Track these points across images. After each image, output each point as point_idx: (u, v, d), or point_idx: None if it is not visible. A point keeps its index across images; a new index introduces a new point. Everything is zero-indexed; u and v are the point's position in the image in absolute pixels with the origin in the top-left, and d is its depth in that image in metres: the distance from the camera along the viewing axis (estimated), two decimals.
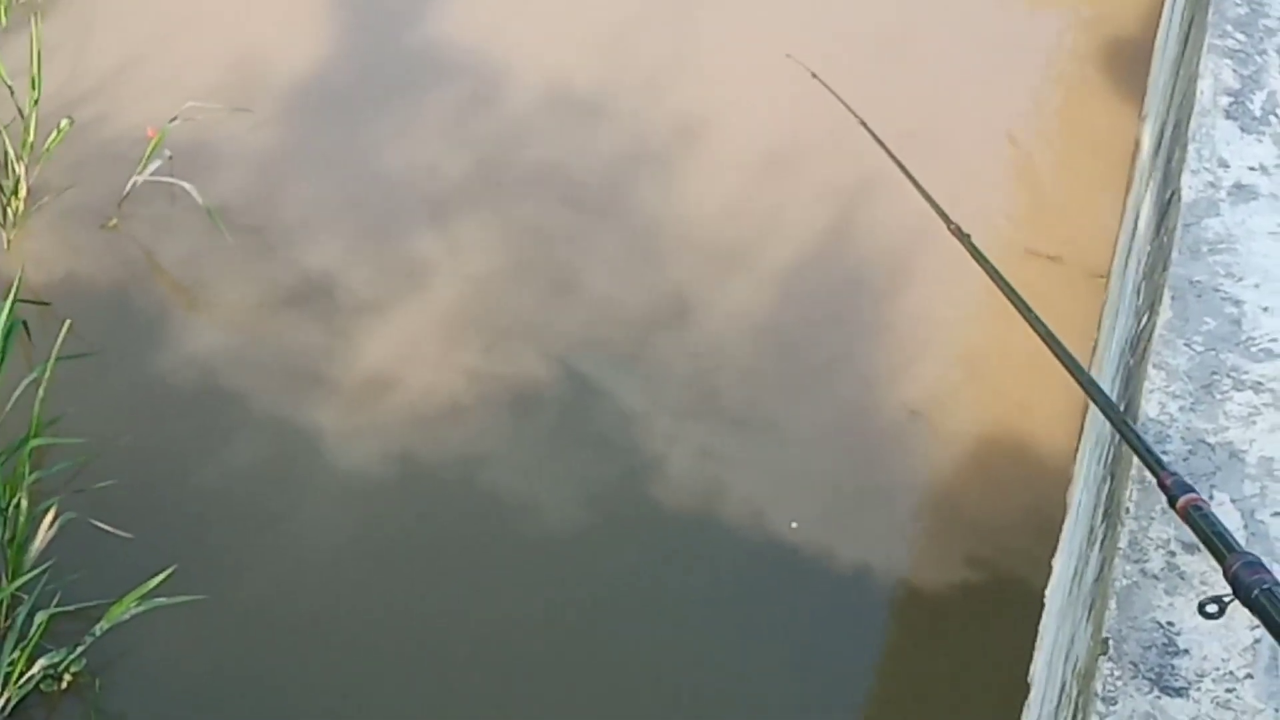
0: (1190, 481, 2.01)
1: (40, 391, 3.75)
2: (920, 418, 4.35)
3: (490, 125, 5.19)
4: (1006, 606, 3.79)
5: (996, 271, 2.49)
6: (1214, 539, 1.85)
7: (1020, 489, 4.15)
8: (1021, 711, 3.35)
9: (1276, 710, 2.03)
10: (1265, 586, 1.69)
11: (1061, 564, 3.52)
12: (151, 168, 4.65)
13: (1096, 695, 2.04)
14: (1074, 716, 2.23)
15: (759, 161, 5.19)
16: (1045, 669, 3.18)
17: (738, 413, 4.32)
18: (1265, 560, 1.78)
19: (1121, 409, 2.60)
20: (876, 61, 5.48)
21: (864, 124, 3.22)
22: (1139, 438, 2.18)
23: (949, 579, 3.97)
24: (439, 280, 4.61)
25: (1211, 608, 1.81)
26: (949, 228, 2.70)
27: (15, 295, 3.83)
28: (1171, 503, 1.97)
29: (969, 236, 2.66)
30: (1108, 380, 3.20)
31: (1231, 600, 1.77)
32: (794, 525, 3.99)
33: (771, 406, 4.35)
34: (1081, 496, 3.49)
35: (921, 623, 3.90)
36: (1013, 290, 2.42)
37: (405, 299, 4.53)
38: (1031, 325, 2.35)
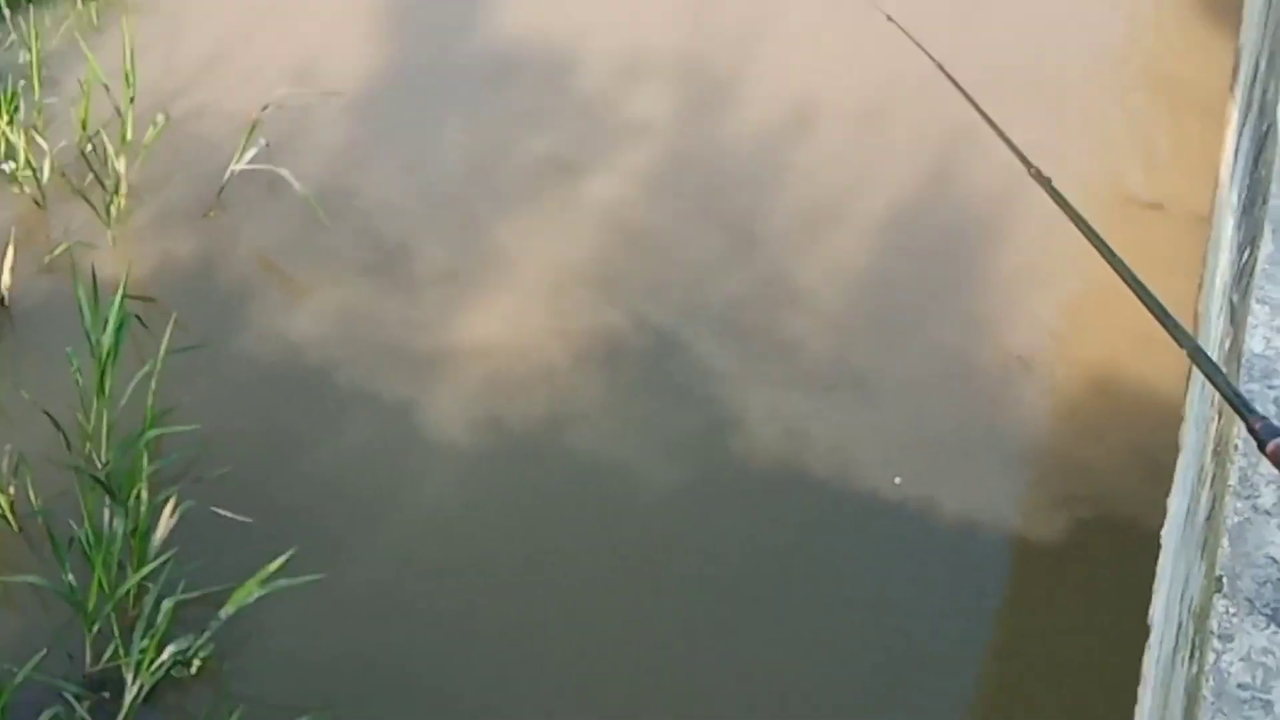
0: None
1: (153, 384, 3.84)
2: (1029, 364, 4.33)
3: (576, 98, 5.22)
4: (1124, 549, 3.76)
5: (1078, 215, 2.44)
6: None
7: (1132, 430, 4.12)
8: (1143, 653, 3.33)
9: None
10: None
11: (1176, 504, 3.49)
12: (248, 156, 4.73)
13: (1213, 633, 2.02)
14: (1191, 655, 2.22)
15: (852, 113, 5.17)
16: (1164, 610, 3.16)
17: (843, 366, 4.32)
18: None
19: (1226, 346, 2.57)
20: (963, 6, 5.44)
21: (943, 69, 3.15)
22: (1227, 382, 2.14)
23: (1065, 525, 3.95)
24: (531, 247, 4.64)
25: None
26: (1030, 172, 2.65)
27: (123, 292, 3.91)
28: (1261, 447, 1.92)
29: (1050, 180, 2.60)
30: (1212, 318, 3.16)
31: None
32: (897, 480, 3.98)
33: (876, 360, 4.35)
34: (1192, 436, 3.45)
35: (1040, 571, 3.88)
36: (1095, 233, 2.37)
37: (498, 271, 4.56)
38: (1115, 269, 2.30)
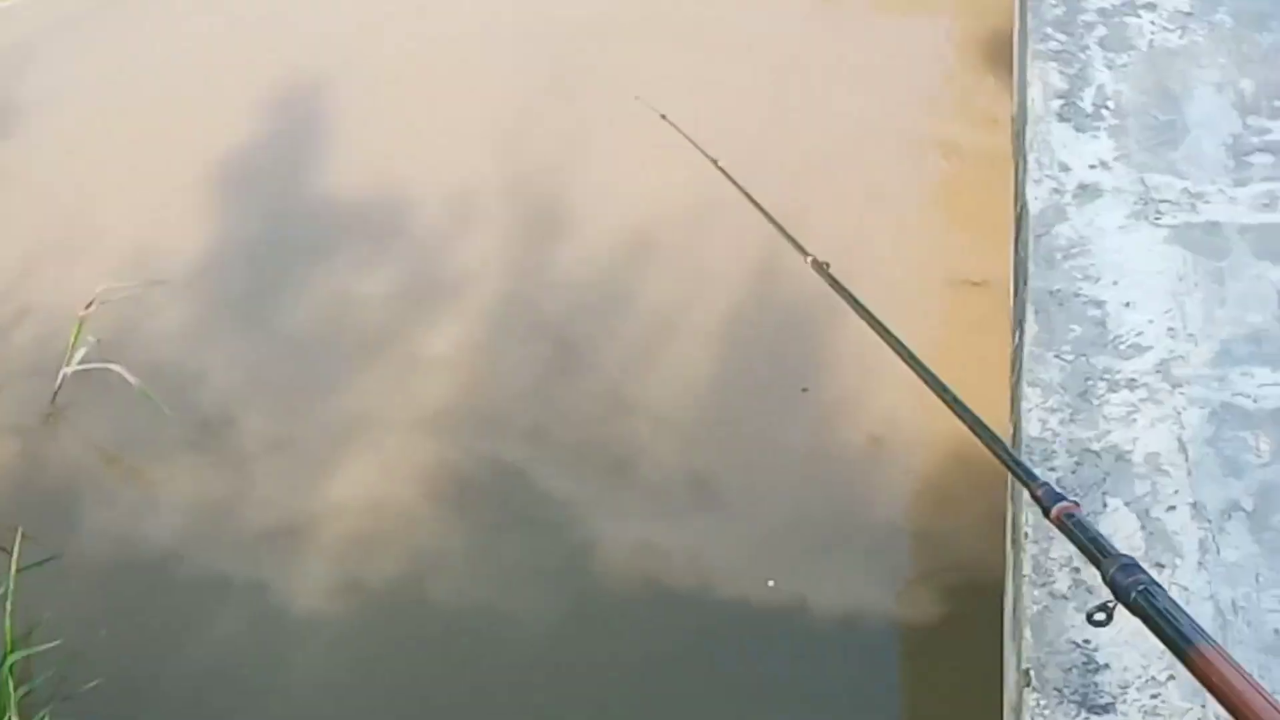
0: (1075, 491, 2.10)
1: (8, 606, 3.84)
2: (881, 445, 4.44)
3: (406, 252, 5.29)
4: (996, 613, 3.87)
5: (856, 300, 2.51)
6: (1089, 545, 1.84)
7: (990, 494, 4.21)
8: None
9: (1203, 704, 2.11)
10: (1141, 587, 1.70)
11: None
12: (79, 355, 4.73)
13: None
14: None
15: (671, 223, 5.28)
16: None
17: (695, 479, 4.41)
18: (1165, 556, 1.87)
19: (1011, 431, 2.70)
20: (745, 106, 5.59)
21: (715, 162, 3.22)
22: (1007, 451, 2.18)
23: (938, 596, 4.04)
24: (371, 406, 4.70)
25: (1099, 615, 1.79)
26: (806, 260, 2.71)
27: None
28: (1045, 513, 1.96)
29: (827, 265, 2.68)
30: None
31: (1115, 605, 1.82)
32: (770, 584, 4.07)
33: (726, 468, 4.44)
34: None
35: (919, 645, 3.97)
36: (874, 317, 2.44)
37: (340, 434, 4.61)
38: (895, 350, 2.38)
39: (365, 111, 6.01)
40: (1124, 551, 1.74)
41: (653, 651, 3.99)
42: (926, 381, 2.25)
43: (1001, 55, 5.67)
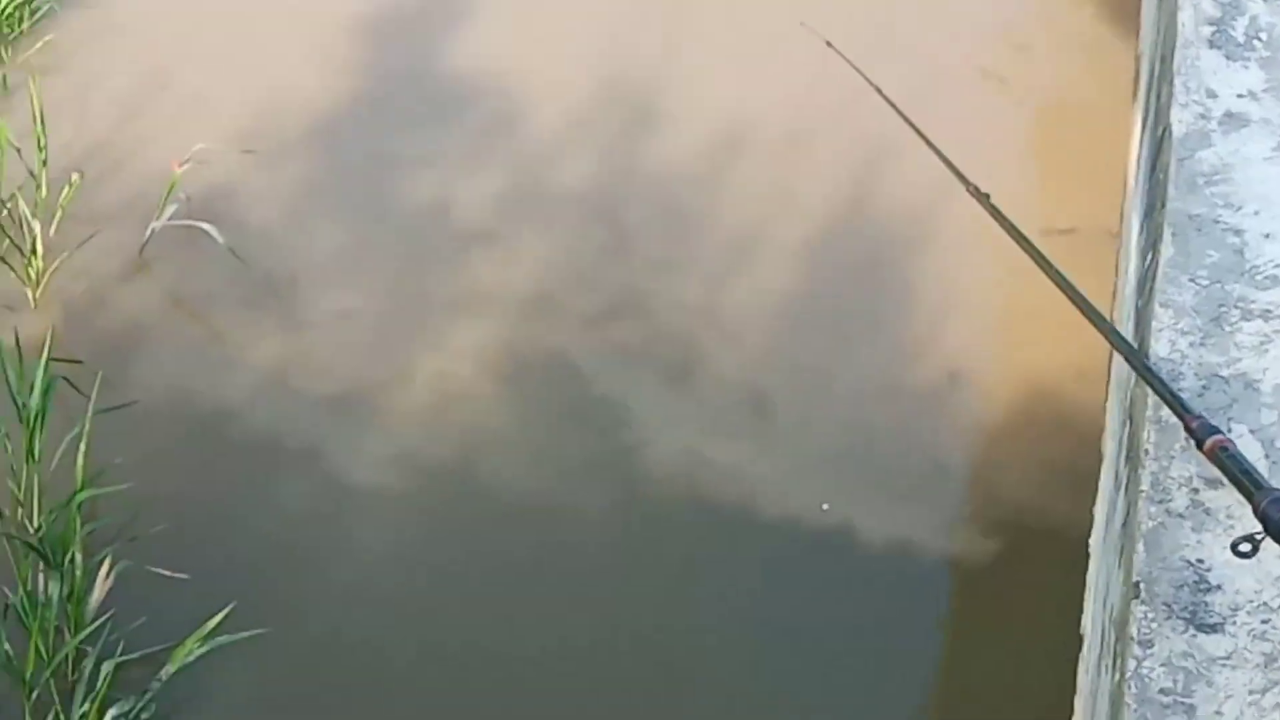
0: (1211, 419, 2.04)
1: (82, 446, 3.84)
2: (956, 382, 4.38)
3: (506, 148, 5.23)
4: (1056, 560, 3.80)
5: (1016, 229, 2.51)
6: (1241, 478, 1.88)
7: (1060, 441, 4.18)
8: (1077, 664, 3.38)
9: None
10: None
11: (1099, 512, 3.55)
12: (168, 212, 4.71)
13: (1132, 639, 2.07)
14: (1114, 663, 2.26)
15: (776, 138, 5.21)
16: (1092, 620, 3.21)
17: (762, 394, 4.36)
18: None
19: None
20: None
21: (879, 91, 3.22)
22: (1162, 382, 2.20)
23: (998, 541, 4.01)
24: (467, 303, 4.66)
25: (1244, 546, 1.84)
26: (967, 189, 2.72)
27: (48, 354, 3.91)
28: (1199, 445, 2.00)
29: (988, 196, 2.68)
30: (1122, 326, 3.22)
31: (1264, 538, 1.81)
32: (825, 507, 4.03)
33: (797, 387, 4.39)
34: (1110, 444, 3.51)
35: (975, 589, 3.93)
36: (1032, 245, 2.45)
37: (426, 324, 4.58)
38: (1051, 278, 2.38)
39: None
40: None
41: (695, 555, 3.99)
42: (1080, 308, 2.24)
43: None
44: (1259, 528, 1.81)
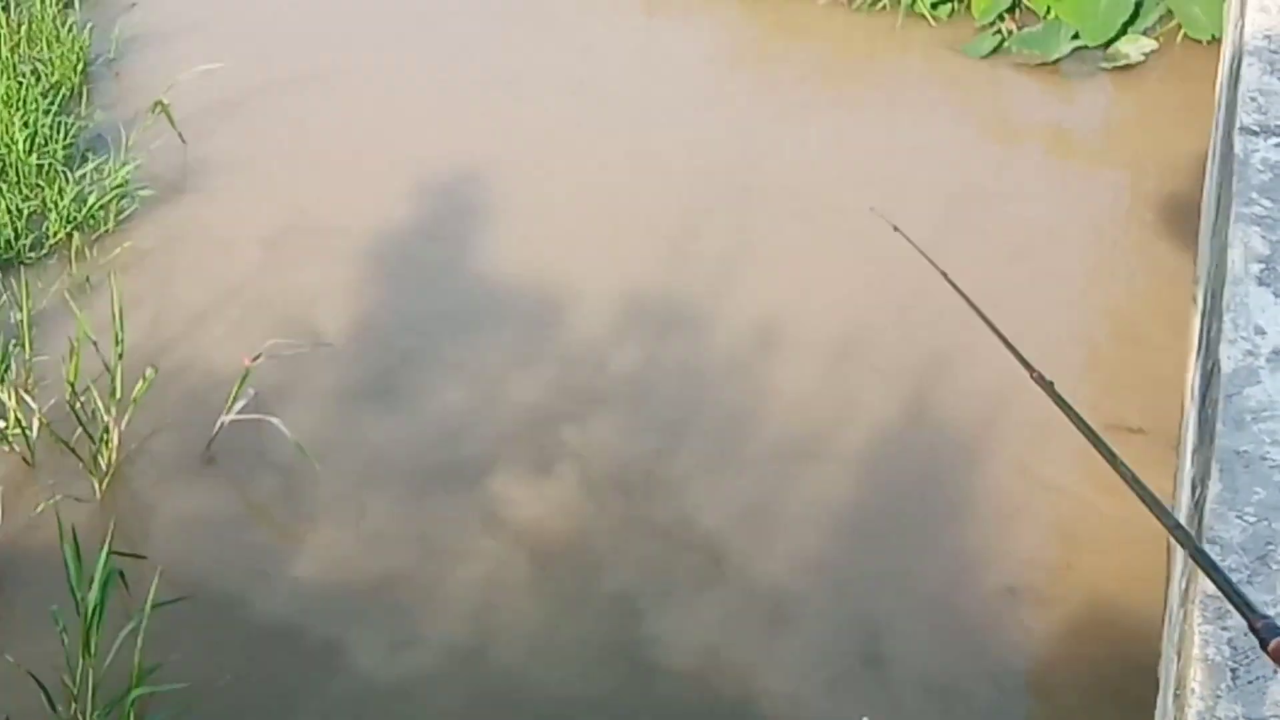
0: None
1: (139, 642, 3.87)
2: (1017, 595, 4.36)
3: (562, 344, 5.34)
4: None
5: (1080, 419, 2.47)
6: None
7: (1116, 661, 4.13)
8: None
9: None
10: None
11: None
12: (238, 406, 4.81)
13: None
14: None
15: (824, 351, 5.29)
16: None
17: (818, 603, 4.36)
18: None
19: (1184, 584, 2.62)
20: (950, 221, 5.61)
21: (944, 274, 3.18)
22: (1226, 579, 2.16)
23: None
24: (519, 509, 4.70)
25: None
26: (1031, 375, 2.69)
27: (109, 548, 3.97)
28: (1263, 645, 1.96)
29: (1052, 384, 2.65)
30: (1179, 554, 3.21)
31: None
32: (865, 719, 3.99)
33: (854, 597, 4.38)
34: (1163, 672, 3.48)
35: None
36: (1096, 436, 2.40)
37: (476, 545, 4.60)
38: (1117, 470, 2.32)
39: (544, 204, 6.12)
40: None
41: None
42: (1147, 504, 2.20)
43: (1178, 218, 5.67)
44: None
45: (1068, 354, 5.15)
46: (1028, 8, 7.49)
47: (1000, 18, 7.42)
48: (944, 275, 3.19)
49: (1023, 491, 4.68)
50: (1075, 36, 7.22)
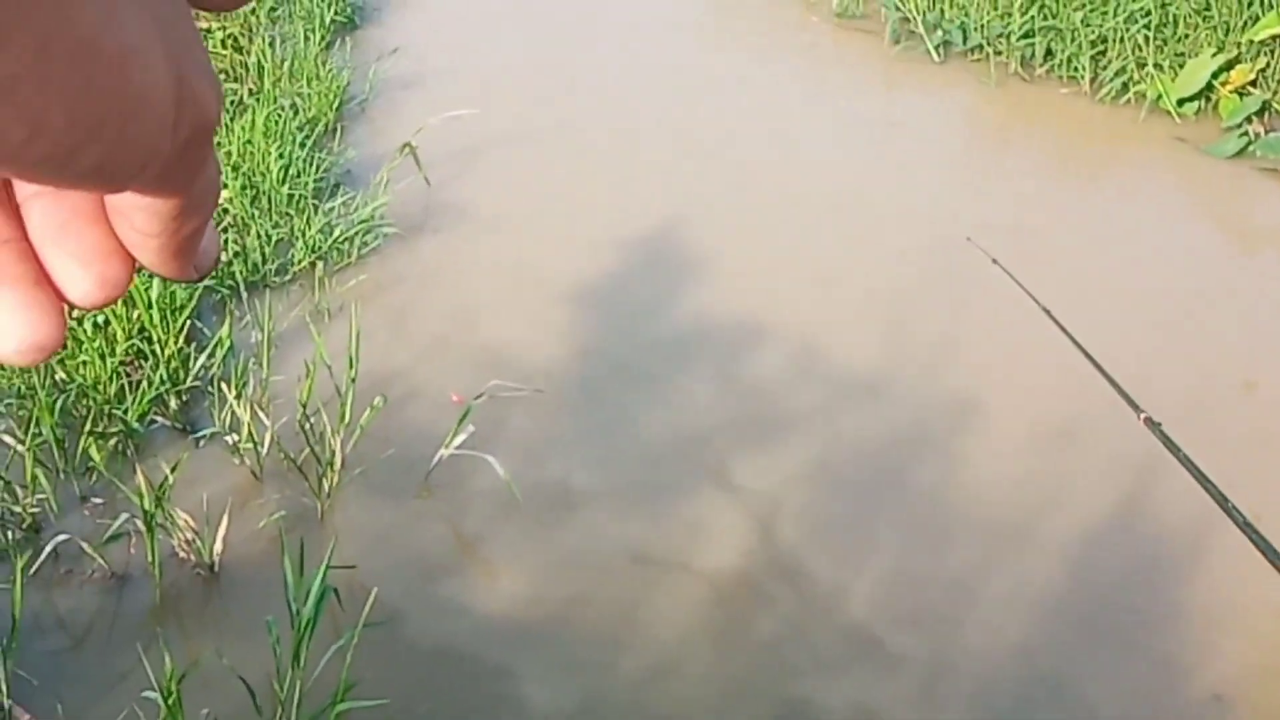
0: None
1: (348, 658, 4.00)
2: (1225, 703, 4.26)
3: (754, 389, 5.40)
4: None
5: (1194, 465, 2.43)
6: None
7: None
8: None
9: None
10: None
11: None
12: (457, 441, 4.95)
13: None
14: None
15: (1036, 435, 5.25)
16: None
17: (1011, 701, 4.30)
18: None
19: None
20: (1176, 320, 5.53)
21: (1048, 311, 3.14)
22: None
23: None
24: (720, 545, 4.74)
25: None
26: (1139, 417, 2.64)
27: (327, 566, 4.10)
28: None
29: (1159, 425, 2.60)
30: None
31: None
32: None
33: (1057, 699, 4.31)
34: None
35: None
36: (1212, 484, 2.36)
37: (687, 555, 4.67)
38: (1228, 514, 2.28)
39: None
40: None
41: None
42: (1261, 550, 2.14)
43: None
44: None
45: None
46: (1277, 111, 7.37)
47: (1249, 119, 7.30)
48: (1047, 312, 3.12)
49: (1237, 601, 4.57)
50: None
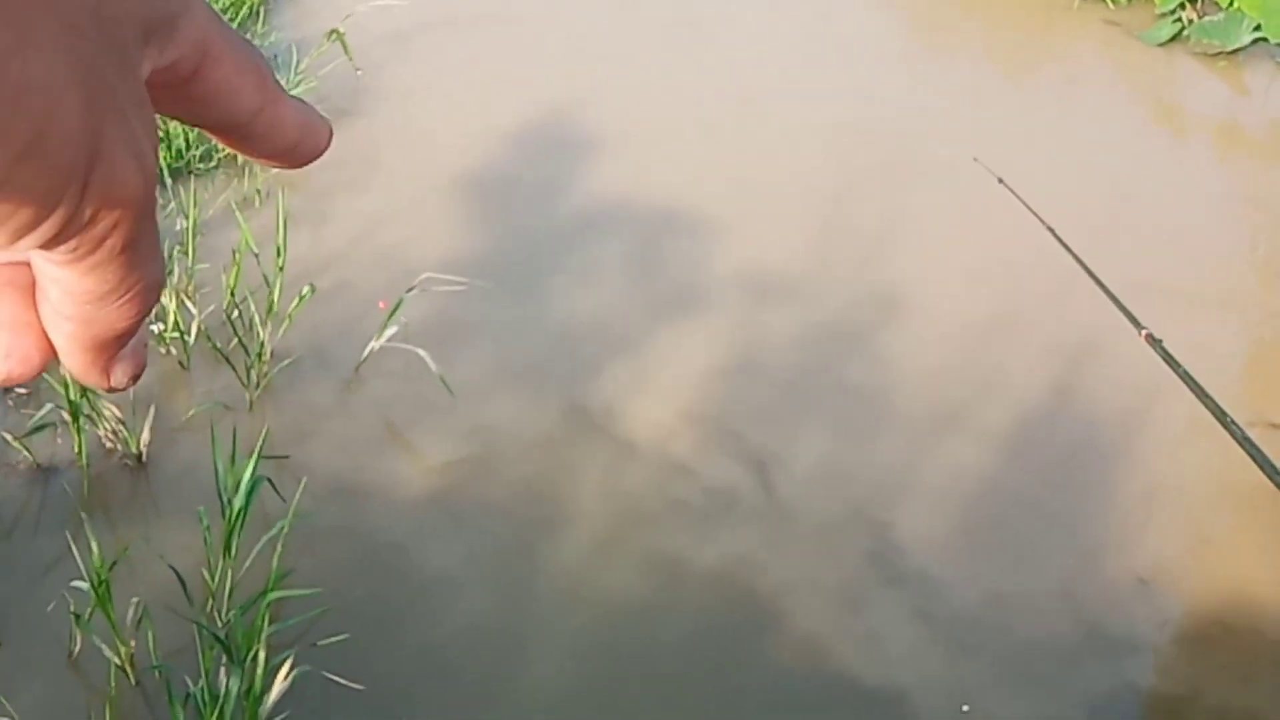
0: None
1: (279, 547, 3.96)
2: (1147, 585, 4.30)
3: (682, 293, 5.36)
4: None
5: (1192, 379, 2.43)
6: None
7: (1264, 666, 4.06)
8: None
9: None
10: None
11: None
12: (387, 334, 4.88)
13: None
14: None
15: (970, 325, 5.25)
16: None
17: (945, 583, 4.32)
18: None
19: None
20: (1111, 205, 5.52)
21: (1051, 229, 3.13)
22: None
23: None
24: (636, 434, 4.72)
25: None
26: (1140, 334, 2.64)
27: (258, 456, 4.05)
28: None
29: (1160, 342, 2.60)
30: None
31: None
32: (965, 709, 3.94)
33: (974, 579, 4.34)
34: None
35: None
36: (1211, 400, 2.37)
37: (613, 450, 4.65)
38: (1227, 429, 2.29)
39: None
40: None
41: None
42: (1259, 464, 2.14)
43: None
44: None
45: (1218, 347, 5.06)
46: None
47: (1181, 5, 7.28)
48: (1051, 231, 3.11)
49: (1171, 483, 4.61)
50: (1257, 29, 7.07)
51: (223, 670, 3.66)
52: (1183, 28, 7.18)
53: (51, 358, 0.46)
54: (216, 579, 3.98)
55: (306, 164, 0.52)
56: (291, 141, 0.51)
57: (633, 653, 4.07)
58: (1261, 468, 2.14)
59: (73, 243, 0.41)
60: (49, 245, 0.41)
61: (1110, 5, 7.37)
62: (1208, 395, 2.33)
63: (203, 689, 3.60)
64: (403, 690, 3.86)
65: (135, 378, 0.49)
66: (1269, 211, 6.02)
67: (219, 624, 3.88)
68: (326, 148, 0.53)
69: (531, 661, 4.02)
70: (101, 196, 0.41)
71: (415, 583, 4.26)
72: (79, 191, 0.40)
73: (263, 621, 3.77)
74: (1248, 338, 5.27)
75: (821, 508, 4.53)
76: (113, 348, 0.46)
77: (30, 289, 0.46)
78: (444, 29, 7.02)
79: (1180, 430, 4.66)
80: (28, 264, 0.45)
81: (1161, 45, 7.14)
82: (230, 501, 4.00)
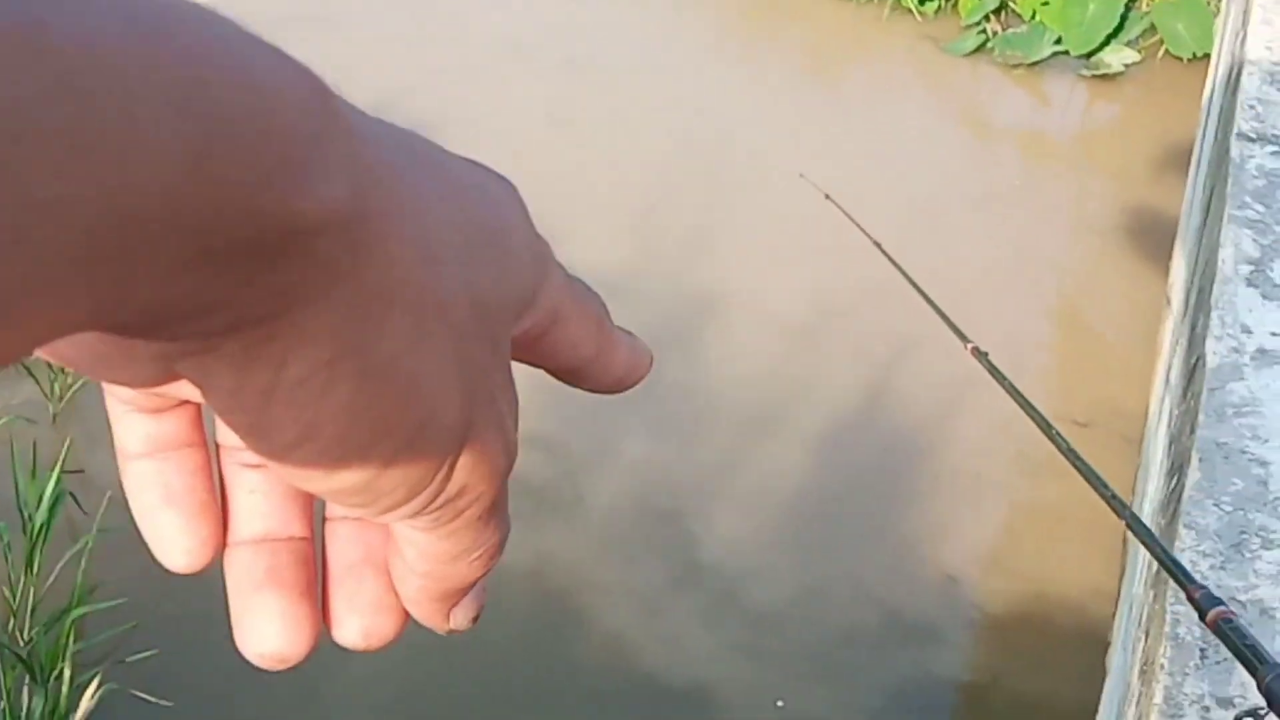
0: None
1: (83, 562, 3.82)
2: (957, 583, 4.37)
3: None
4: None
5: (1018, 392, 2.46)
6: (1245, 651, 1.82)
7: (1060, 654, 4.15)
8: None
9: None
10: None
11: None
12: None
13: None
14: None
15: (786, 330, 5.29)
16: None
17: (759, 582, 4.34)
18: None
19: (1154, 569, 2.62)
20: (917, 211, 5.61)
21: (878, 245, 3.14)
22: (1165, 550, 2.15)
23: None
24: None
25: None
26: (966, 347, 2.67)
27: (60, 469, 3.91)
28: (1201, 616, 1.93)
29: (987, 355, 2.63)
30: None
31: (1267, 713, 1.76)
32: (779, 704, 3.97)
33: (787, 580, 4.37)
34: (1118, 656, 3.49)
35: None
36: (1035, 409, 2.39)
37: None
38: (1055, 443, 2.31)
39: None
40: None
41: None
42: (1084, 474, 2.17)
43: (1144, 222, 5.72)
44: (1264, 704, 1.77)
45: (1024, 349, 5.18)
46: (1014, 11, 7.53)
47: (986, 18, 7.44)
48: (878, 245, 3.13)
49: (980, 482, 4.69)
50: (1058, 41, 7.26)
51: (25, 690, 3.53)
52: (987, 39, 7.34)
53: (403, 628, 0.50)
54: (19, 597, 3.83)
55: (625, 391, 0.55)
56: (618, 378, 0.54)
57: (445, 654, 4.02)
58: (1087, 479, 2.17)
59: (435, 515, 0.44)
60: (413, 518, 0.44)
61: (918, 18, 7.50)
62: (1034, 407, 2.36)
63: (4, 710, 3.47)
64: (214, 706, 3.77)
65: (475, 619, 0.52)
66: (1068, 214, 6.19)
67: (21, 643, 3.73)
68: (646, 375, 0.55)
69: (349, 666, 3.94)
70: (468, 475, 0.43)
71: (222, 598, 4.13)
72: (448, 474, 0.42)
73: (68, 639, 3.65)
74: (1052, 338, 5.40)
75: (635, 508, 4.52)
76: (458, 598, 0.49)
77: (384, 565, 0.49)
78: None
79: (991, 431, 4.73)
80: (378, 528, 0.48)
81: (966, 55, 7.29)
82: (31, 517, 3.86)
